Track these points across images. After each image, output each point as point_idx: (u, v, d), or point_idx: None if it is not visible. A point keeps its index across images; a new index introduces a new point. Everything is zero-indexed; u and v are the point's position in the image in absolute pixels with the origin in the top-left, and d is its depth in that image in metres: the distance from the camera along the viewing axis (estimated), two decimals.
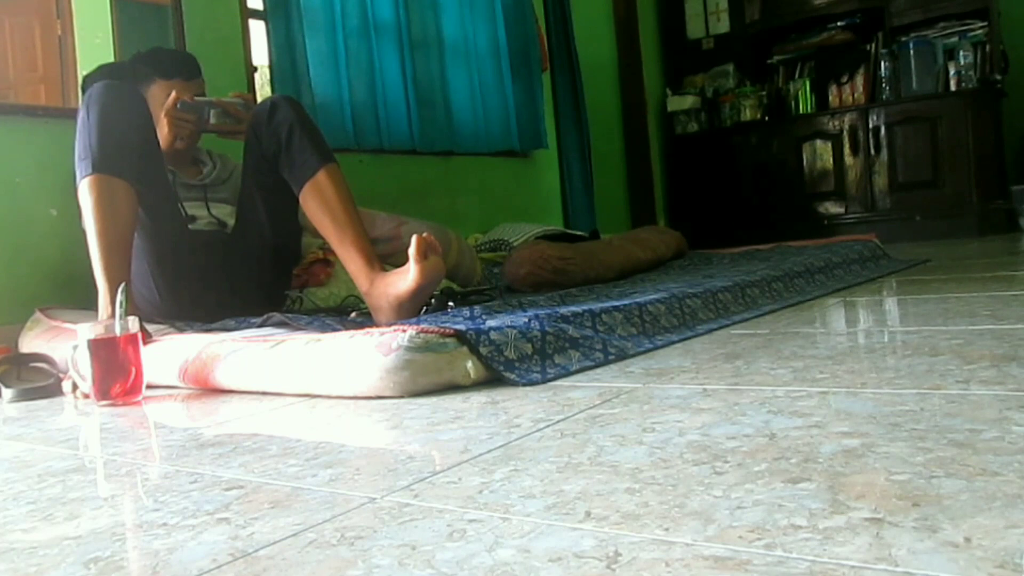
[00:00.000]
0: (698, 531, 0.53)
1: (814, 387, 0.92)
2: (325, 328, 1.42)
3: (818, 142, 4.15)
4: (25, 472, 0.91)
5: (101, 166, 1.54)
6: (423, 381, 1.12)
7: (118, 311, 1.34)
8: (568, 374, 1.17)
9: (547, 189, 3.87)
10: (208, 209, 1.94)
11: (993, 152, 3.80)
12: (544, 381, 1.13)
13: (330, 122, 2.76)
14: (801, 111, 4.25)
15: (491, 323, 1.23)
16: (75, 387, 1.44)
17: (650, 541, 0.52)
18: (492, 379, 1.15)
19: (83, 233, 1.86)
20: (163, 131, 1.83)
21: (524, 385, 1.11)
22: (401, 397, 1.11)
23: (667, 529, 0.53)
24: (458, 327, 1.18)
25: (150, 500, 0.75)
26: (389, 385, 1.12)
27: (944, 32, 3.89)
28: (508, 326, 1.21)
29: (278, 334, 1.40)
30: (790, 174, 4.21)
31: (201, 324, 1.69)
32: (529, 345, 1.20)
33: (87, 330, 1.34)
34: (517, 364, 1.16)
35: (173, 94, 1.82)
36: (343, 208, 1.64)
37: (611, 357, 1.24)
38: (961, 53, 3.77)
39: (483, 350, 1.14)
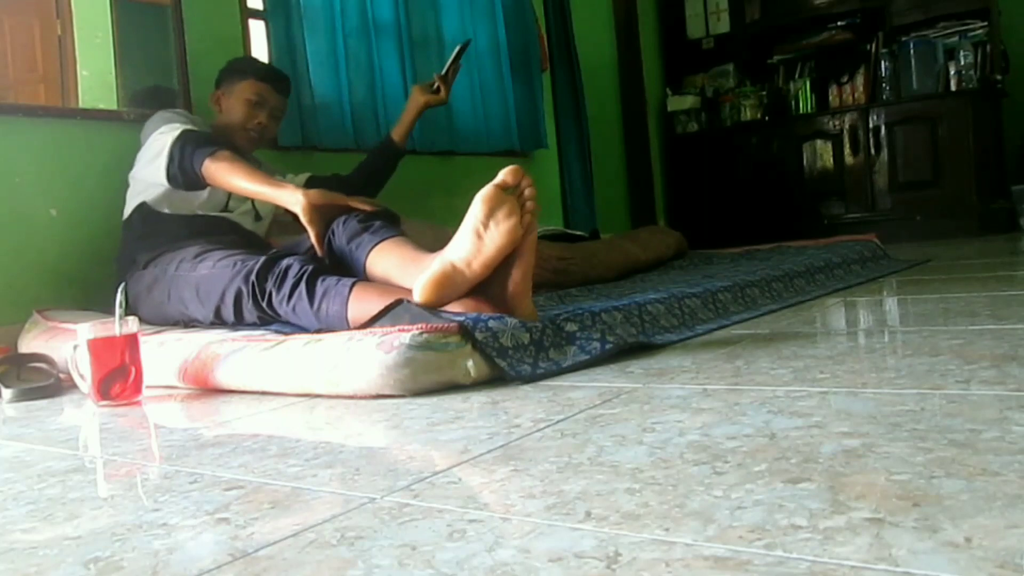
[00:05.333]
0: (698, 531, 0.52)
1: (814, 387, 0.92)
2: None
3: (818, 142, 4.14)
4: (25, 472, 0.91)
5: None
6: (424, 379, 1.12)
7: (118, 311, 1.34)
8: (560, 371, 1.17)
9: (547, 189, 3.86)
10: (252, 202, 2.02)
11: (993, 152, 3.80)
12: (533, 376, 1.13)
13: (330, 122, 2.75)
14: (801, 111, 4.24)
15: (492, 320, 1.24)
16: None
17: (650, 541, 0.52)
18: (493, 379, 1.15)
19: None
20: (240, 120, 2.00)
21: (514, 378, 1.12)
22: (402, 395, 1.11)
23: (667, 529, 0.53)
24: (458, 319, 1.18)
25: (150, 500, 0.75)
26: (390, 383, 1.12)
27: (944, 32, 3.88)
28: (508, 317, 1.22)
29: (278, 334, 1.40)
30: (790, 174, 4.20)
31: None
32: (527, 335, 1.20)
33: (87, 330, 1.34)
34: (511, 352, 1.16)
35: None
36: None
37: (608, 346, 1.24)
38: (961, 53, 3.77)
39: (479, 335, 1.15)
